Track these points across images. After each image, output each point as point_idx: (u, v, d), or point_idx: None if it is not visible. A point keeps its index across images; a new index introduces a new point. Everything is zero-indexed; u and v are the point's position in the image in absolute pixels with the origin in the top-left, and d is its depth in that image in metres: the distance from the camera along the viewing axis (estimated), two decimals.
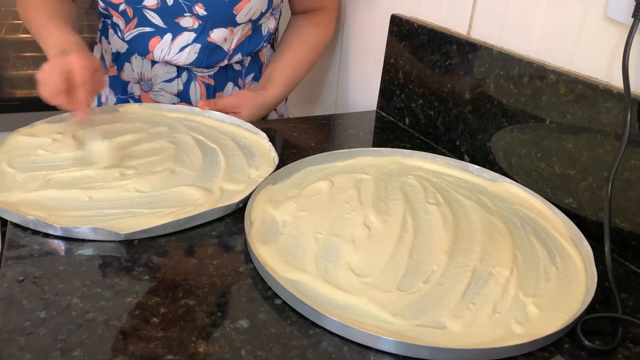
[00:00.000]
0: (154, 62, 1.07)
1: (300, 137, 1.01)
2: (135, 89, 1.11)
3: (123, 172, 0.79)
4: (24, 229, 0.68)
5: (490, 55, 0.87)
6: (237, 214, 0.74)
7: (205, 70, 1.09)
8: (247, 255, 0.66)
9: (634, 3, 0.65)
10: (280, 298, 0.59)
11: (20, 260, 0.62)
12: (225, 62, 1.09)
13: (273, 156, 0.86)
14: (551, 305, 0.59)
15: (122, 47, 1.08)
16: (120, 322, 0.55)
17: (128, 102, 1.11)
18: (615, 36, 0.70)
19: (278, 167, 0.82)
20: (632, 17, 0.66)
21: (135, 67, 1.09)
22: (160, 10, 0.99)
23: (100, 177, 0.77)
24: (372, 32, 1.20)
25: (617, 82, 0.69)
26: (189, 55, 1.04)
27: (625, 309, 0.61)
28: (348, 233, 0.68)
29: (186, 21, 1.01)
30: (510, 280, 0.62)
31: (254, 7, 1.02)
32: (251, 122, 0.96)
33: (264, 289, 0.61)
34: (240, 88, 1.14)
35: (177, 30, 1.02)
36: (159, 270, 0.63)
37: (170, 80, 1.08)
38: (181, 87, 1.09)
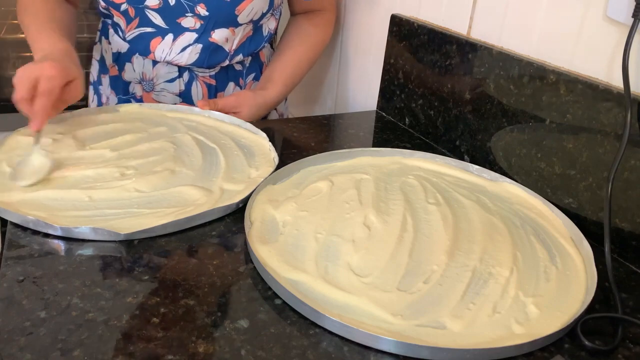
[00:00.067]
0: (155, 62, 1.07)
1: (300, 137, 1.01)
2: (137, 89, 1.11)
3: (123, 172, 0.79)
4: (24, 229, 0.68)
5: (490, 55, 0.87)
6: (237, 214, 0.74)
7: (207, 70, 1.09)
8: (247, 255, 0.66)
9: (634, 3, 0.65)
10: (280, 298, 0.59)
11: (20, 260, 0.62)
12: (227, 62, 1.09)
13: (273, 156, 0.86)
14: (551, 305, 0.59)
15: (123, 47, 1.08)
16: (120, 322, 0.55)
17: (130, 102, 1.11)
18: (615, 36, 0.70)
19: (278, 167, 0.82)
20: (632, 17, 0.66)
21: (136, 67, 1.09)
22: (162, 10, 1.00)
23: (100, 177, 0.77)
24: (372, 32, 1.20)
25: (617, 82, 0.69)
26: (190, 56, 1.04)
27: (625, 309, 0.61)
28: (348, 233, 0.68)
29: (188, 21, 1.01)
30: (510, 280, 0.62)
31: (255, 8, 1.02)
32: (251, 122, 0.96)
33: (264, 289, 0.61)
34: (241, 88, 1.14)
35: (178, 31, 1.02)
36: (159, 270, 0.63)
37: (171, 81, 1.08)
38: (183, 87, 1.09)
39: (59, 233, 0.66)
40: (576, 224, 0.71)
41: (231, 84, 1.13)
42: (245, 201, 0.74)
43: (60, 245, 0.65)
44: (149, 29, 1.03)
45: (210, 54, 1.05)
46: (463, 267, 0.63)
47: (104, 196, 0.73)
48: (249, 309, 0.58)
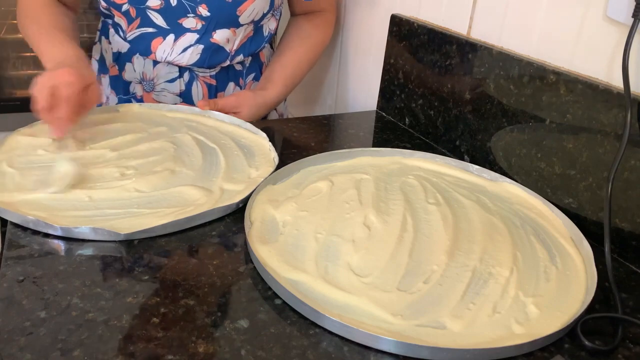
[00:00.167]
0: (155, 62, 1.07)
1: (300, 137, 1.01)
2: (137, 89, 1.11)
3: (123, 172, 0.79)
4: (24, 229, 0.68)
5: (490, 55, 0.87)
6: (237, 214, 0.74)
7: (207, 70, 1.09)
8: (247, 255, 0.66)
9: (634, 3, 0.65)
10: (280, 298, 0.59)
11: (20, 260, 0.62)
12: (227, 62, 1.09)
13: (273, 156, 0.86)
14: (551, 305, 0.59)
15: (124, 47, 1.08)
16: (120, 322, 0.55)
17: (130, 102, 1.11)
18: (615, 36, 0.70)
19: (278, 167, 0.82)
20: (632, 17, 0.66)
21: (136, 67, 1.09)
22: (164, 10, 0.99)
23: (100, 177, 0.77)
24: (372, 32, 1.20)
25: (617, 82, 0.69)
26: (191, 56, 1.04)
27: (625, 309, 0.61)
28: (348, 233, 0.68)
29: (189, 22, 1.01)
30: (510, 280, 0.62)
31: (256, 8, 1.02)
32: (251, 122, 0.96)
33: (264, 289, 0.61)
34: (241, 88, 1.14)
35: (179, 31, 1.02)
36: (159, 270, 0.63)
37: (172, 81, 1.08)
38: (183, 87, 1.09)
39: (59, 233, 0.66)
40: (576, 224, 0.71)
41: (231, 84, 1.13)
42: (245, 201, 0.74)
43: (60, 245, 0.65)
44: (150, 29, 1.03)
45: (211, 54, 1.05)
46: (463, 267, 0.63)
47: (104, 196, 0.73)
48: (249, 309, 0.58)
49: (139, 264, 0.63)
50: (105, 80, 1.14)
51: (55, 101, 0.78)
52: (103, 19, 1.12)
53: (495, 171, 0.85)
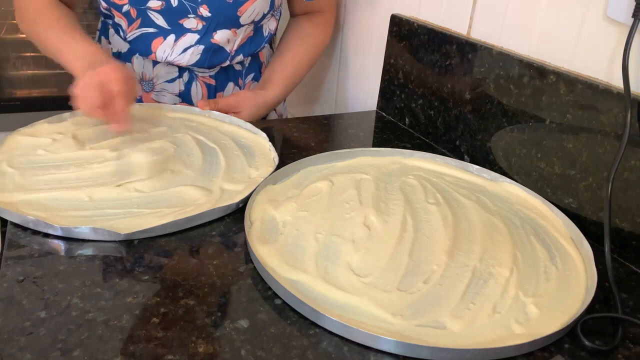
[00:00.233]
0: (155, 62, 1.07)
1: (300, 137, 1.01)
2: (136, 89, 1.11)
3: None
4: (24, 229, 0.68)
5: (490, 55, 0.87)
6: (237, 214, 0.74)
7: (207, 70, 1.09)
8: (247, 255, 0.66)
9: (634, 3, 0.65)
10: (280, 298, 0.59)
11: (20, 260, 0.62)
12: (227, 62, 1.09)
13: (273, 156, 0.86)
14: (551, 305, 0.59)
15: (124, 47, 1.08)
16: (120, 322, 0.55)
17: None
18: (615, 36, 0.70)
19: (278, 167, 0.82)
20: (632, 17, 0.66)
21: (136, 67, 1.09)
22: (165, 11, 0.99)
23: (100, 177, 0.77)
24: (372, 32, 1.20)
25: (617, 82, 0.69)
26: (191, 56, 1.04)
27: (625, 309, 0.61)
28: (348, 233, 0.68)
29: (190, 22, 1.01)
30: (510, 280, 0.62)
31: (257, 9, 1.02)
32: (251, 122, 0.96)
33: (264, 289, 0.61)
34: (240, 88, 1.14)
35: (180, 32, 1.02)
36: (159, 270, 0.63)
37: (171, 81, 1.08)
38: (182, 87, 1.09)
39: (59, 233, 0.66)
40: (576, 224, 0.71)
41: (230, 84, 1.13)
42: (245, 201, 0.74)
43: (60, 245, 0.65)
44: (150, 29, 1.03)
45: (212, 54, 1.05)
46: (463, 267, 0.63)
47: (104, 196, 0.73)
48: (249, 309, 0.58)
49: (139, 264, 0.63)
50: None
51: (107, 98, 0.81)
52: (103, 19, 1.12)
53: (495, 171, 0.85)
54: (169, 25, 1.01)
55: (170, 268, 0.63)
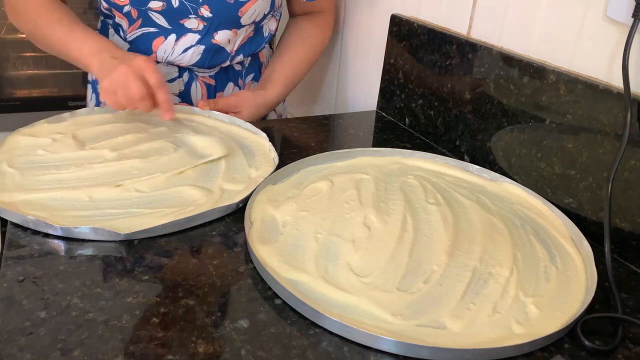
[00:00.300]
0: (155, 62, 1.07)
1: (300, 137, 1.01)
2: None
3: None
4: (24, 229, 0.68)
5: (490, 55, 0.87)
6: (237, 214, 0.74)
7: (207, 70, 1.09)
8: (247, 255, 0.66)
9: (634, 3, 0.65)
10: (280, 298, 0.59)
11: (20, 260, 0.62)
12: (227, 62, 1.09)
13: (273, 156, 0.86)
14: (551, 305, 0.59)
15: (124, 47, 1.07)
16: (120, 322, 0.55)
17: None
18: (615, 36, 0.70)
19: (278, 167, 0.82)
20: (632, 17, 0.66)
21: None
22: (166, 12, 0.99)
23: (100, 177, 0.77)
24: (372, 32, 1.20)
25: (617, 82, 0.69)
26: (192, 56, 1.04)
27: (625, 309, 0.61)
28: (348, 233, 0.68)
29: (191, 23, 1.01)
30: (510, 280, 0.62)
31: (258, 9, 1.03)
32: (251, 122, 0.96)
33: (264, 289, 0.61)
34: (240, 88, 1.14)
35: (181, 31, 1.02)
36: (159, 270, 0.63)
37: (171, 81, 1.08)
38: (182, 87, 1.09)
39: (59, 233, 0.66)
40: (576, 224, 0.71)
41: (230, 84, 1.13)
42: (245, 201, 0.74)
43: (60, 245, 0.65)
44: (151, 29, 1.03)
45: (212, 55, 1.05)
46: (463, 267, 0.63)
47: (104, 196, 0.73)
48: (249, 309, 0.58)
49: (139, 264, 0.63)
50: None
51: (148, 89, 0.84)
52: (102, 18, 1.12)
53: (495, 171, 0.85)
54: (169, 25, 1.02)
55: (170, 268, 0.63)
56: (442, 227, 0.70)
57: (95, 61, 0.89)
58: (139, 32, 1.04)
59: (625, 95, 0.66)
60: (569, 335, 0.57)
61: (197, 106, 1.00)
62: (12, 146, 0.84)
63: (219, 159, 0.84)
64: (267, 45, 1.17)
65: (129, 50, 1.07)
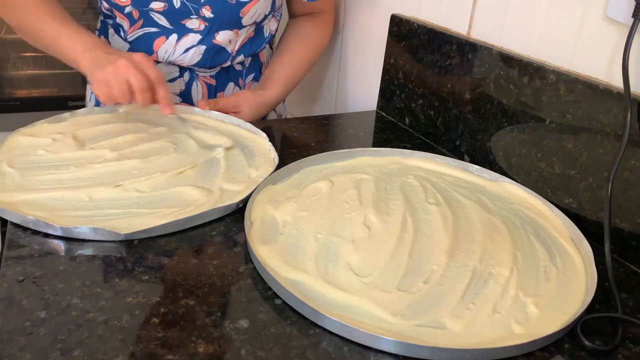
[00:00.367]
0: (156, 62, 1.07)
1: (300, 137, 1.01)
2: None
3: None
4: (24, 229, 0.68)
5: (490, 55, 0.87)
6: (237, 214, 0.74)
7: (207, 70, 1.09)
8: (247, 255, 0.66)
9: (634, 3, 0.65)
10: (280, 298, 0.59)
11: (20, 260, 0.62)
12: (228, 63, 1.09)
13: (273, 156, 0.86)
14: (551, 305, 0.59)
15: (124, 47, 1.07)
16: (120, 322, 0.55)
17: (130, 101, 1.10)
18: (615, 36, 0.70)
19: (278, 167, 0.82)
20: (632, 17, 0.66)
21: None
22: (167, 12, 0.99)
23: (100, 177, 0.77)
24: (372, 32, 1.20)
25: (617, 82, 0.69)
26: (193, 56, 1.04)
27: (625, 309, 0.61)
28: (348, 233, 0.68)
29: (192, 23, 1.01)
30: (510, 280, 0.62)
31: (259, 10, 1.03)
32: (251, 122, 0.96)
33: (264, 289, 0.61)
34: (240, 88, 1.14)
35: (182, 32, 1.02)
36: (159, 270, 0.63)
37: (172, 80, 1.08)
38: (183, 87, 1.09)
39: (59, 233, 0.66)
40: (576, 224, 0.71)
41: (231, 84, 1.13)
42: (245, 201, 0.74)
43: (60, 245, 0.65)
44: (153, 29, 1.03)
45: (213, 55, 1.05)
46: (463, 267, 0.63)
47: (104, 196, 0.73)
48: (249, 309, 0.58)
49: (139, 264, 0.63)
50: None
51: (149, 82, 0.85)
52: (102, 18, 1.12)
53: (495, 171, 0.85)
54: (171, 25, 1.02)
55: (170, 268, 0.63)
56: (442, 227, 0.70)
57: (86, 57, 0.88)
58: (140, 32, 1.04)
59: (625, 95, 0.66)
60: (569, 335, 0.57)
61: (197, 106, 1.00)
62: (12, 146, 0.84)
63: (220, 157, 0.84)
64: (267, 46, 1.17)
65: (129, 50, 1.07)
